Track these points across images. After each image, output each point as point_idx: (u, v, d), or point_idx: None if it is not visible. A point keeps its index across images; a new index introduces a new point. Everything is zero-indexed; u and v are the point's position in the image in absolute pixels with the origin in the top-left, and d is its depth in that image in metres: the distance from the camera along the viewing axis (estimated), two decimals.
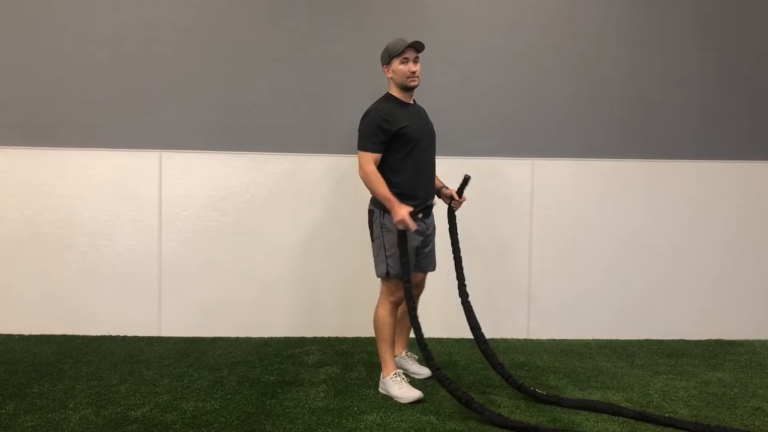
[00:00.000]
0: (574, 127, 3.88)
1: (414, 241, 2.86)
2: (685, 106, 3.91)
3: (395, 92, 2.92)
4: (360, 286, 3.79)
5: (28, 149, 3.74)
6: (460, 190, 2.99)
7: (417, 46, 2.85)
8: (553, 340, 3.82)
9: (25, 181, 3.73)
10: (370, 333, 3.78)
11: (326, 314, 3.82)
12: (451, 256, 2.99)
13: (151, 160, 3.76)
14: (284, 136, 3.80)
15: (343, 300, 3.82)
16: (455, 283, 2.97)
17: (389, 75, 2.91)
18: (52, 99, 3.75)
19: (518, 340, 3.78)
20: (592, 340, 3.82)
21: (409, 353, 3.20)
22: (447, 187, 3.07)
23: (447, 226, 3.03)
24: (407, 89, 2.90)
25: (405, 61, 2.84)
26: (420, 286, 3.08)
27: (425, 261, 3.00)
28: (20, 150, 3.74)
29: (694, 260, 3.87)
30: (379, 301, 2.93)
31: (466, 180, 2.94)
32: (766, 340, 3.85)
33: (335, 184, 3.79)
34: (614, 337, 3.85)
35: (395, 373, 2.85)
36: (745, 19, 3.90)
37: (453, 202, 3.03)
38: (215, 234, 3.77)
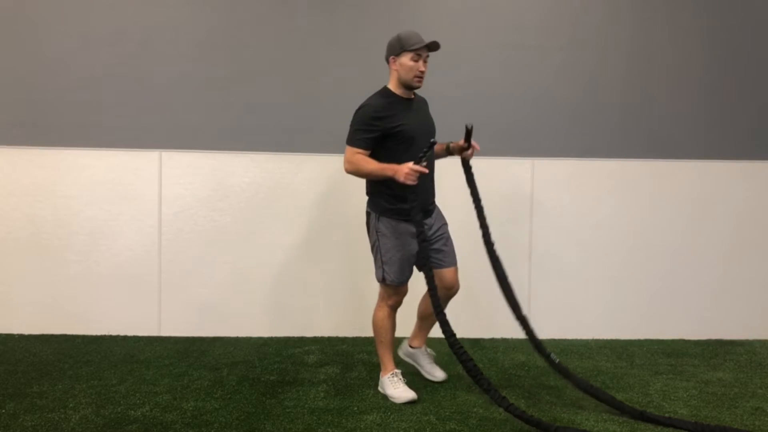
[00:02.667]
0: (574, 127, 3.88)
1: (412, 245, 2.78)
2: (685, 106, 3.91)
3: (394, 87, 2.78)
4: (360, 286, 3.80)
5: (28, 149, 3.74)
6: (467, 140, 2.87)
7: (434, 47, 2.72)
8: (553, 340, 3.82)
9: (25, 181, 3.73)
10: (369, 333, 3.77)
11: (326, 314, 3.82)
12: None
13: (151, 160, 3.76)
14: (284, 136, 3.80)
15: (343, 300, 3.82)
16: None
17: (394, 67, 2.74)
18: (52, 99, 3.75)
19: (518, 340, 3.77)
20: (592, 340, 3.82)
21: (428, 349, 3.12)
22: (453, 142, 2.95)
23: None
24: (409, 88, 2.78)
25: (417, 58, 2.69)
26: (452, 288, 2.92)
27: (444, 257, 2.89)
28: (20, 150, 3.74)
29: (695, 260, 3.87)
30: (377, 304, 2.91)
31: (469, 130, 2.82)
32: (766, 340, 3.85)
33: (335, 184, 3.79)
34: (614, 337, 3.85)
35: (393, 373, 2.85)
36: (746, 19, 3.90)
37: (465, 153, 2.92)
38: (215, 234, 3.77)
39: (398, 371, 2.88)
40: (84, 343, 3.58)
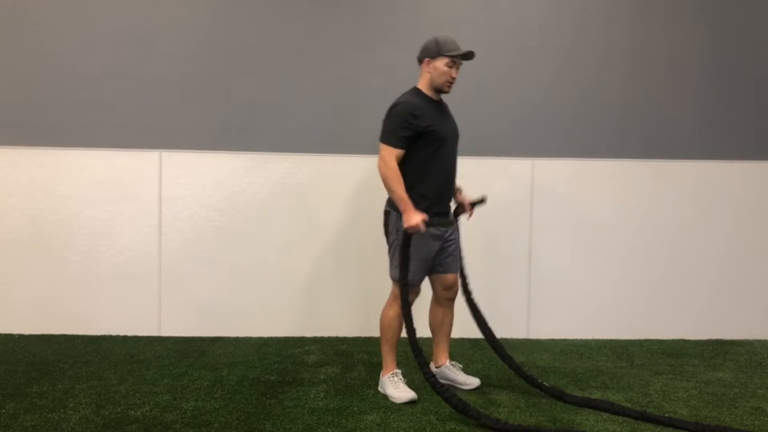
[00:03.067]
0: (574, 127, 3.88)
1: (432, 247, 2.79)
2: (685, 106, 3.91)
3: (424, 88, 2.80)
4: (360, 286, 3.80)
5: (28, 149, 3.74)
6: (472, 204, 2.96)
7: (470, 57, 2.78)
8: (553, 340, 3.82)
9: (25, 181, 3.73)
10: (369, 333, 3.79)
11: (326, 314, 3.82)
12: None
13: (151, 160, 3.76)
14: (284, 136, 3.80)
15: (343, 300, 3.82)
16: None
17: (427, 69, 2.77)
18: (52, 99, 3.75)
19: (518, 340, 3.78)
20: (592, 340, 3.82)
21: (453, 363, 3.05)
22: (461, 192, 3.00)
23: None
24: (439, 91, 2.81)
25: (452, 64, 2.74)
26: (452, 288, 2.95)
27: (451, 261, 2.90)
28: (20, 150, 3.74)
29: (695, 260, 3.87)
30: (388, 302, 2.87)
31: (483, 200, 2.94)
32: (766, 340, 3.85)
33: (335, 183, 3.79)
34: (614, 337, 3.85)
35: (393, 373, 2.85)
36: (746, 19, 3.90)
37: (459, 208, 2.97)
38: (215, 234, 3.77)
39: (398, 371, 2.88)
40: (84, 343, 3.58)
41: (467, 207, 2.97)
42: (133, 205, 3.75)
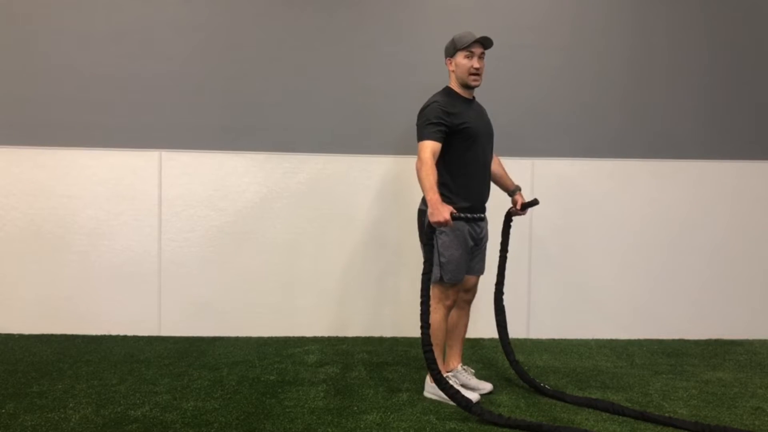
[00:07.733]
0: (574, 127, 3.88)
1: (469, 245, 2.79)
2: (685, 106, 3.91)
3: (455, 87, 2.82)
4: (360, 286, 3.80)
5: (28, 149, 3.74)
6: (525, 206, 2.98)
7: (485, 42, 2.75)
8: (553, 340, 3.82)
9: (25, 181, 3.73)
10: (370, 333, 3.80)
11: (326, 314, 3.82)
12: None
13: (151, 160, 3.76)
14: (284, 136, 3.80)
15: (343, 300, 3.82)
16: None
17: (451, 68, 2.81)
18: (52, 99, 3.75)
19: (518, 340, 3.78)
20: (592, 340, 3.82)
21: (465, 367, 2.99)
22: (520, 193, 3.03)
23: (500, 227, 3.06)
24: (467, 87, 2.81)
25: (470, 55, 2.74)
26: (472, 291, 2.96)
27: (476, 264, 2.90)
28: (20, 150, 3.74)
29: (695, 260, 3.88)
30: (431, 307, 2.74)
31: (536, 202, 2.96)
32: (766, 340, 3.85)
33: (335, 184, 3.79)
34: (614, 337, 3.85)
35: (446, 377, 2.76)
36: (746, 18, 3.91)
37: (514, 209, 3.01)
38: (215, 234, 3.77)
39: (450, 374, 2.86)
40: (84, 343, 3.58)
41: (518, 207, 2.99)
42: (133, 205, 3.75)
